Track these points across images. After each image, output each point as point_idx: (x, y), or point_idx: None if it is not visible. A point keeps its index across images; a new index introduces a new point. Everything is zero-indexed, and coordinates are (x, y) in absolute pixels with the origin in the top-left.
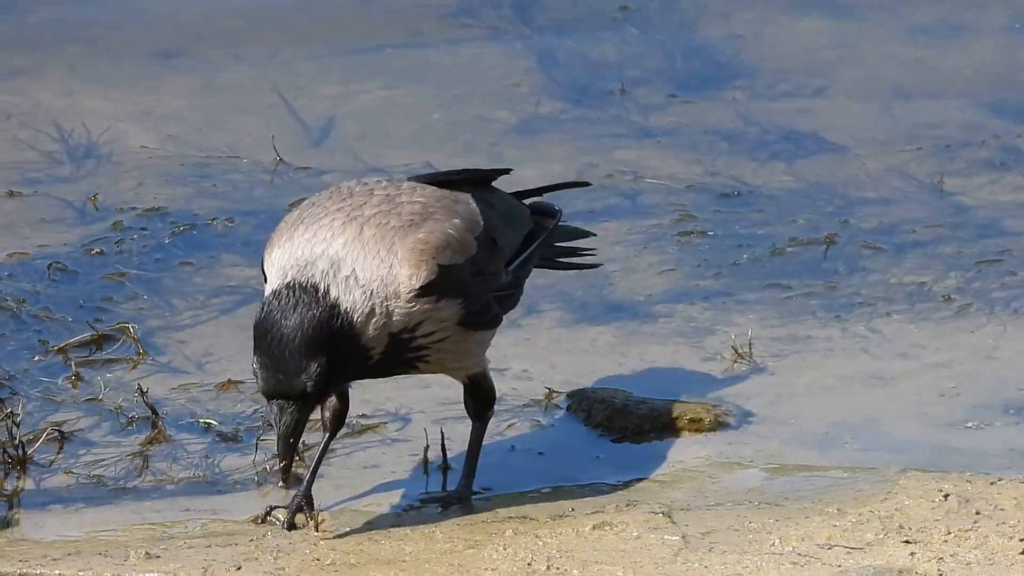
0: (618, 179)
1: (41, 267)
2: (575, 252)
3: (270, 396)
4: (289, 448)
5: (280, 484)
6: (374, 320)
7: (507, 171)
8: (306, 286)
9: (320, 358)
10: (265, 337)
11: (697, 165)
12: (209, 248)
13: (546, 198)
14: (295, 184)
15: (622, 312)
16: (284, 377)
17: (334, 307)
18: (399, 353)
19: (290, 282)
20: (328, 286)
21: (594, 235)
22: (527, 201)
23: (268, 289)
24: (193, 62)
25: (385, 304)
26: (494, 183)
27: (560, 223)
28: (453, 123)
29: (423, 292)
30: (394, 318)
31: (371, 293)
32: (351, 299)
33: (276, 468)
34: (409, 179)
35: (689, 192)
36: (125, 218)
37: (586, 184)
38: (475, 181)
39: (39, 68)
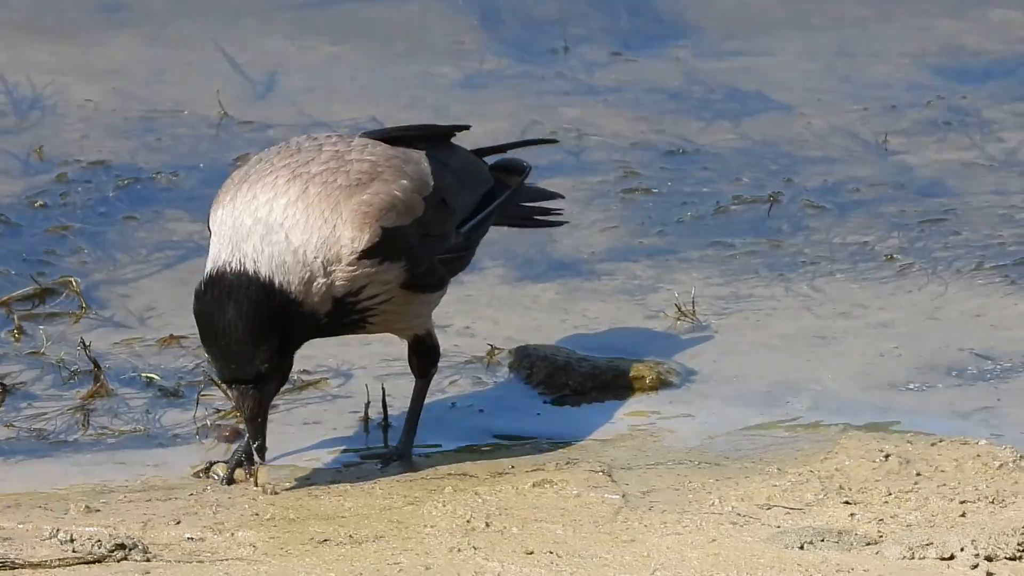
0: (562, 136)
1: None
2: (541, 212)
3: (228, 383)
4: (259, 428)
5: (259, 461)
6: (315, 285)
7: (466, 127)
8: (238, 270)
9: (268, 340)
10: (208, 329)
11: (642, 123)
12: (153, 202)
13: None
14: (240, 138)
15: (565, 269)
16: (237, 366)
17: (268, 285)
18: (344, 315)
19: (221, 267)
20: (258, 264)
21: (562, 197)
22: (493, 158)
23: (207, 264)
24: (137, 15)
25: (326, 267)
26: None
27: (527, 184)
28: (398, 79)
29: (365, 255)
30: (337, 282)
31: (310, 259)
32: (285, 270)
33: (253, 447)
34: (362, 134)
35: (633, 149)
36: (69, 171)
37: (553, 141)
38: (433, 137)
39: None
